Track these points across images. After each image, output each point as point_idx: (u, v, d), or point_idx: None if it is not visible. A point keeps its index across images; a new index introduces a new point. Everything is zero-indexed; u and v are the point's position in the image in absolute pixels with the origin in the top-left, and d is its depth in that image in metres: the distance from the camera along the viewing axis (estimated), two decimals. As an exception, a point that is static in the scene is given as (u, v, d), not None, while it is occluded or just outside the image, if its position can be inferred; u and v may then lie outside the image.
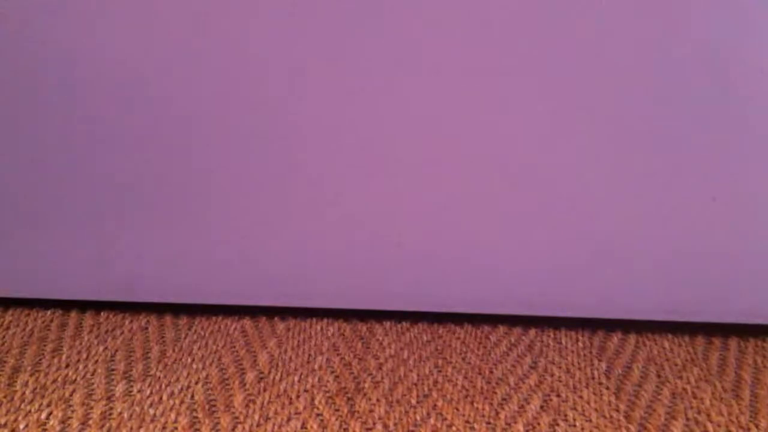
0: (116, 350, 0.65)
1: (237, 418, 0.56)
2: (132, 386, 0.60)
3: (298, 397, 0.59)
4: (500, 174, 0.64)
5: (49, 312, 0.72)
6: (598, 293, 0.68)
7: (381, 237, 0.67)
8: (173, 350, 0.65)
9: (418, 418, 0.57)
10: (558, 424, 0.56)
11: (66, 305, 0.72)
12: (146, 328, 0.69)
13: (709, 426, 0.56)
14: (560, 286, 0.67)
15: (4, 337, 0.67)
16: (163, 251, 0.68)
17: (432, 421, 0.56)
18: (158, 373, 0.62)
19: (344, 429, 0.55)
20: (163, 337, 0.68)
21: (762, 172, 0.62)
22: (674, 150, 0.62)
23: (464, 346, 0.67)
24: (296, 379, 0.61)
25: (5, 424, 0.55)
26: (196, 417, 0.56)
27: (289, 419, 0.56)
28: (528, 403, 0.58)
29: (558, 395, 0.60)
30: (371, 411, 0.57)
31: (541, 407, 0.58)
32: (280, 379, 0.61)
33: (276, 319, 0.71)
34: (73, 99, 0.63)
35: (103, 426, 0.55)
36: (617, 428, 0.56)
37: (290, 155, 0.64)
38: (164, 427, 0.55)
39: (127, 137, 0.64)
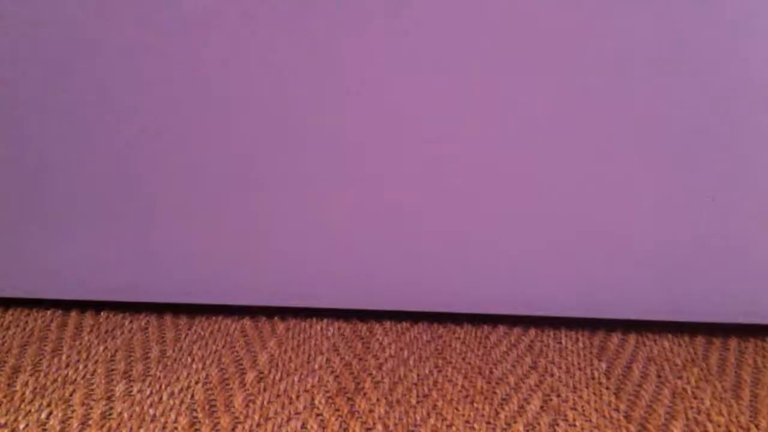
0: (116, 350, 0.65)
1: (237, 418, 0.56)
2: (132, 386, 0.60)
3: (298, 397, 0.59)
4: (500, 174, 0.64)
5: (49, 312, 0.72)
6: (598, 293, 0.68)
7: (381, 237, 0.67)
8: (173, 350, 0.65)
9: (418, 418, 0.57)
10: (558, 424, 0.56)
11: (66, 305, 0.72)
12: (146, 328, 0.69)
13: (709, 426, 0.56)
14: (560, 286, 0.67)
15: (4, 337, 0.67)
16: (163, 251, 0.68)
17: (432, 421, 0.56)
18: (158, 373, 0.62)
19: (344, 429, 0.55)
20: (163, 337, 0.68)
21: (762, 171, 0.62)
22: (673, 149, 0.62)
23: (464, 346, 0.67)
24: (296, 379, 0.61)
25: (5, 424, 0.55)
26: (196, 417, 0.56)
27: (289, 419, 0.56)
28: (528, 403, 0.58)
29: (558, 395, 0.60)
30: (371, 411, 0.57)
31: (541, 407, 0.58)
32: (280, 379, 0.61)
33: (276, 319, 0.71)
34: (73, 98, 0.63)
35: (103, 426, 0.55)
36: (617, 428, 0.56)
37: (289, 155, 0.64)
38: (164, 427, 0.55)
39: (127, 137, 0.64)
